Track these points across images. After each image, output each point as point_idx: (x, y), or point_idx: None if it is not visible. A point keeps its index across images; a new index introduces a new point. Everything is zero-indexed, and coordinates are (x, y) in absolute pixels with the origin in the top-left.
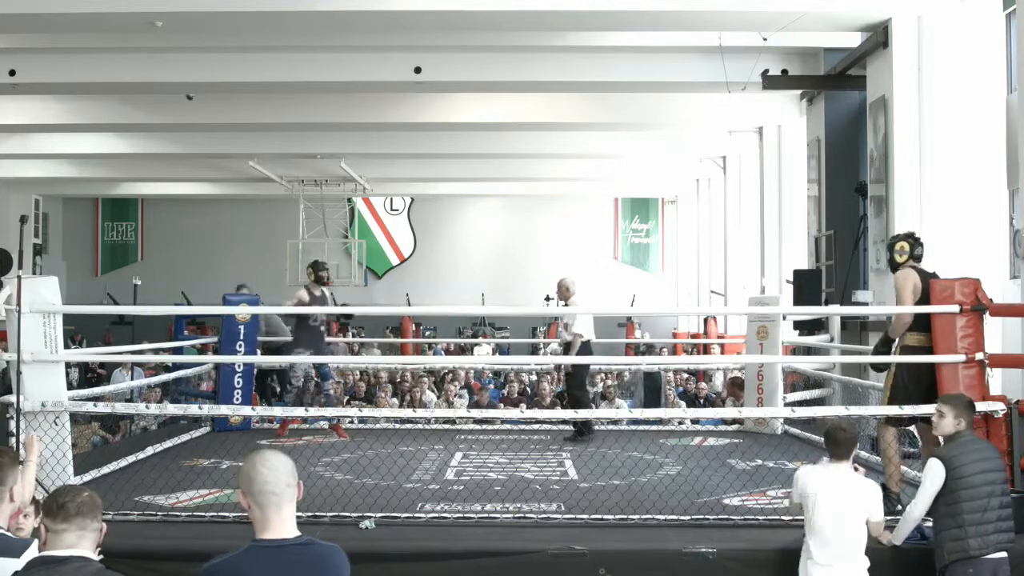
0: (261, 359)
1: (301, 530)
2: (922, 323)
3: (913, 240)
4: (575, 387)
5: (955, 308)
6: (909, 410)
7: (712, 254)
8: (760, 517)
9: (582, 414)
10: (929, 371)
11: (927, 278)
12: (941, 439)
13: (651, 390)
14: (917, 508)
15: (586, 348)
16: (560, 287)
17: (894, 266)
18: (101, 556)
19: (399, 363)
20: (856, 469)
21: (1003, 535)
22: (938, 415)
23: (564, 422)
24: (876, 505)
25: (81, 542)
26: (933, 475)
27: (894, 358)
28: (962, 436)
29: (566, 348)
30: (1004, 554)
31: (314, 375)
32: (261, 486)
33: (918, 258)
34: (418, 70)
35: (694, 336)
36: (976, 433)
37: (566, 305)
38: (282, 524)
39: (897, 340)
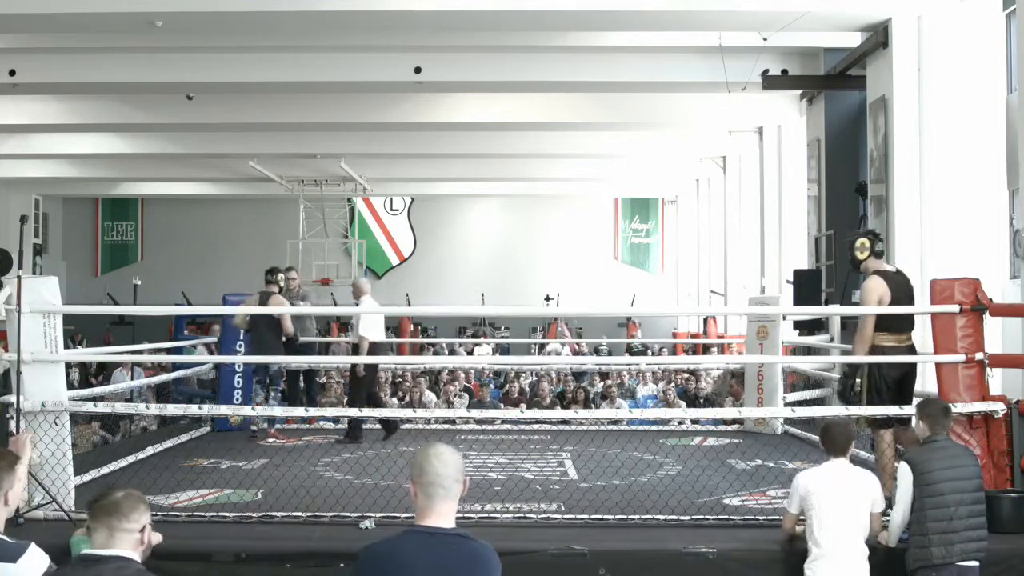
0: (260, 359)
1: (301, 531)
2: (893, 323)
3: (873, 236)
4: (366, 388)
5: (955, 308)
6: (909, 410)
7: (712, 254)
8: (760, 517)
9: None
10: (903, 373)
11: (894, 278)
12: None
13: None
14: (898, 513)
15: (374, 349)
16: (354, 287)
17: (855, 264)
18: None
19: (399, 363)
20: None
21: (972, 544)
22: (915, 419)
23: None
24: (877, 495)
25: (111, 541)
26: (903, 479)
27: (880, 358)
28: (936, 441)
29: (354, 349)
30: (974, 563)
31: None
32: (432, 478)
33: (879, 254)
34: (418, 70)
35: (694, 336)
36: (976, 433)
37: (358, 304)
38: (442, 515)
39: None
